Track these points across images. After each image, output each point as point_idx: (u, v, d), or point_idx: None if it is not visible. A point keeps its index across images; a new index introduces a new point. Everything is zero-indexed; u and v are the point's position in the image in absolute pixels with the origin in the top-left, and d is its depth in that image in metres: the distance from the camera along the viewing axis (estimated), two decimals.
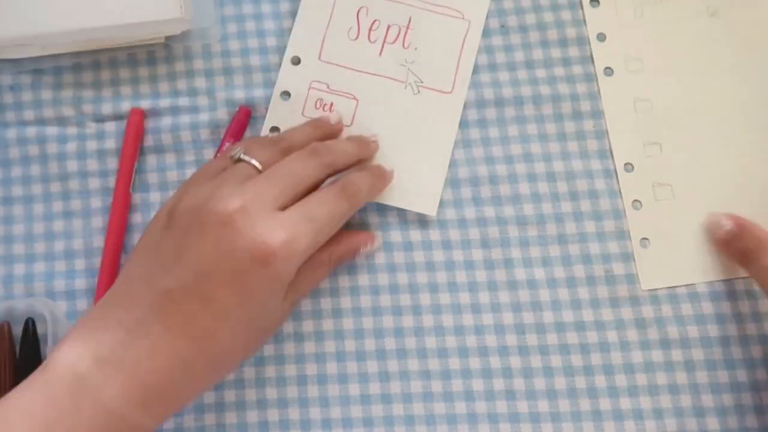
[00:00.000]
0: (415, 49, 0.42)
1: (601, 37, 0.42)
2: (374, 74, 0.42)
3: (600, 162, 0.41)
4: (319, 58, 0.42)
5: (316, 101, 0.42)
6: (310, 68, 0.42)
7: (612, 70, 0.41)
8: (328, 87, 0.42)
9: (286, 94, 0.42)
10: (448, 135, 0.41)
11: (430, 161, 0.41)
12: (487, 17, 0.43)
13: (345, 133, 0.41)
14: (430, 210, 0.40)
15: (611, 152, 0.41)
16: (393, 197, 0.40)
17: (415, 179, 0.40)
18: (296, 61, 0.42)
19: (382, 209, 0.40)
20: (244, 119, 0.41)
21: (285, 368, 0.39)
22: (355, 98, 0.41)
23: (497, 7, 0.43)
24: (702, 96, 0.41)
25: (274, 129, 0.41)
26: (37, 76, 0.43)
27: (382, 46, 0.42)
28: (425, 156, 0.41)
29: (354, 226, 0.40)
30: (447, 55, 0.42)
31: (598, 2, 0.42)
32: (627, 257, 0.40)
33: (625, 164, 0.40)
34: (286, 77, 0.42)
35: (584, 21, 0.42)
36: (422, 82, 0.42)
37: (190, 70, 0.43)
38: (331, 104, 0.41)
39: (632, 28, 0.42)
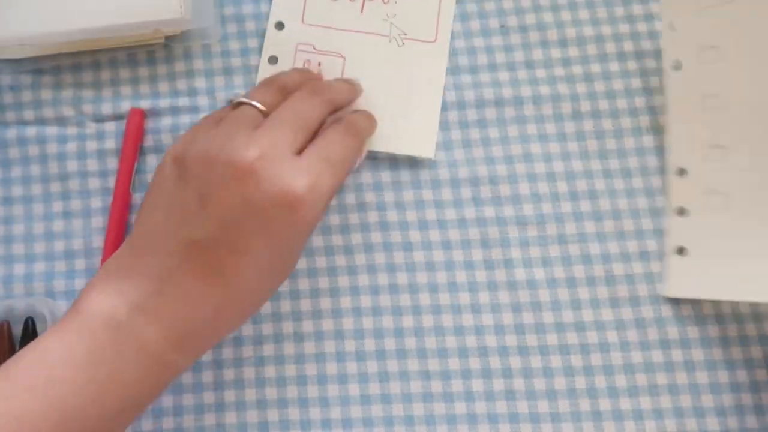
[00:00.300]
0: (395, 2, 0.43)
1: (671, 26, 0.38)
2: (358, 31, 0.42)
3: (600, 162, 0.41)
4: (303, 21, 0.43)
5: (304, 62, 0.42)
6: (295, 31, 0.43)
7: (680, 63, 0.38)
8: (314, 48, 0.42)
9: (273, 59, 0.42)
10: (436, 82, 0.42)
11: (422, 108, 0.41)
12: (487, 17, 0.43)
13: None
14: (428, 153, 0.41)
15: (661, 151, 0.38)
16: (390, 144, 0.41)
17: (410, 126, 0.41)
18: (280, 26, 0.43)
19: (382, 208, 0.40)
20: None
21: (285, 368, 0.39)
22: (341, 56, 0.42)
23: (497, 7, 0.43)
24: None
25: None
26: (37, 76, 0.43)
27: (363, 3, 0.43)
28: (417, 104, 0.42)
29: (355, 227, 0.40)
30: (426, 4, 0.43)
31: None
32: (627, 258, 0.40)
33: (680, 169, 0.37)
34: (272, 42, 0.43)
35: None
36: (405, 35, 0.42)
37: (190, 70, 0.43)
38: (319, 64, 0.42)
39: (706, 17, 0.37)
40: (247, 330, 0.39)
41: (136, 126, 0.41)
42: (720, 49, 0.37)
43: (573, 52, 0.42)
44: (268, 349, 0.39)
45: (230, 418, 0.38)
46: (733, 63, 0.37)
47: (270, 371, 0.39)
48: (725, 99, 0.37)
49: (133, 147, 0.41)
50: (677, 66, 0.37)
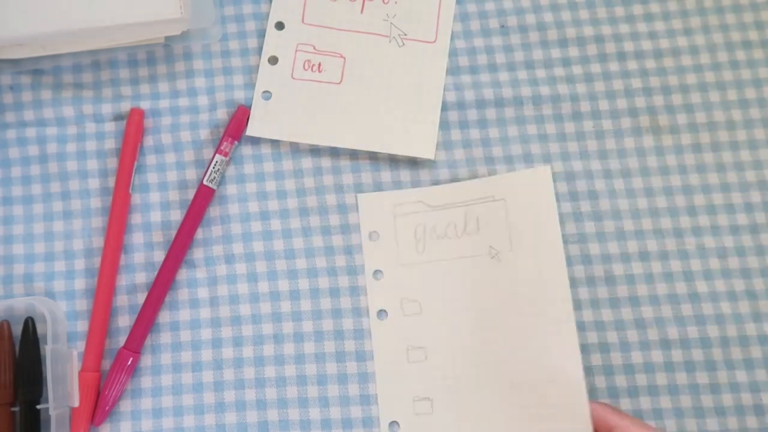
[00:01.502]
0: (395, 2, 0.43)
1: (378, 275, 0.39)
2: (358, 32, 0.43)
3: (600, 162, 0.41)
4: (303, 21, 0.43)
5: (304, 62, 0.42)
6: (295, 31, 0.43)
7: (386, 313, 0.39)
8: (314, 48, 0.42)
9: (273, 59, 0.42)
10: (436, 82, 0.42)
11: (422, 108, 0.41)
12: (487, 17, 0.43)
13: (334, 92, 0.41)
14: (428, 153, 0.41)
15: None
16: (390, 144, 0.41)
17: (410, 126, 0.41)
18: (280, 26, 0.43)
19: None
20: (242, 119, 0.41)
21: (285, 368, 0.39)
22: (342, 56, 0.42)
23: (497, 7, 0.43)
24: (475, 346, 0.38)
25: (266, 93, 0.42)
26: (37, 76, 0.43)
27: (363, 3, 0.43)
28: (417, 104, 0.41)
29: (356, 227, 0.40)
30: (427, 5, 0.43)
31: (378, 234, 0.40)
32: (626, 258, 0.40)
33: (391, 423, 0.37)
34: (272, 42, 0.43)
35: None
36: (406, 35, 0.42)
37: (190, 70, 0.43)
38: (319, 64, 0.42)
39: (411, 266, 0.39)
40: (247, 330, 0.39)
41: (135, 126, 0.41)
42: (421, 303, 0.39)
43: (573, 52, 0.42)
44: (268, 349, 0.39)
45: (230, 418, 0.38)
46: (431, 316, 0.39)
47: (270, 371, 0.39)
48: (428, 352, 0.38)
49: (133, 147, 0.41)
50: (383, 316, 0.39)
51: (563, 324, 0.37)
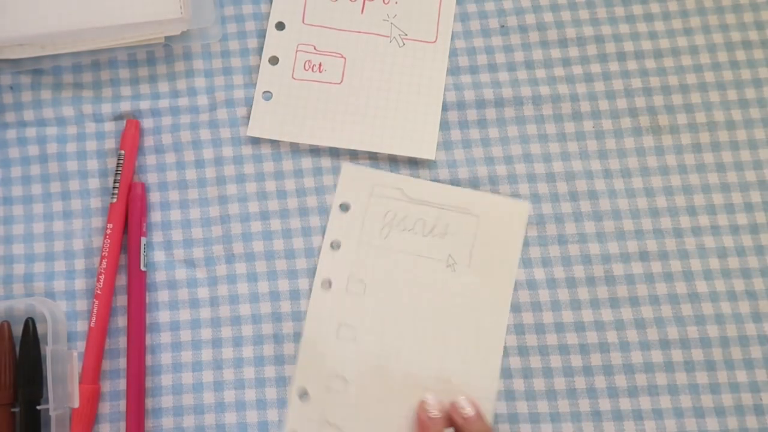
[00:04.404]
0: (396, 3, 0.43)
1: (335, 245, 0.39)
2: (359, 32, 0.43)
3: (600, 162, 0.41)
4: (303, 21, 0.43)
5: (305, 63, 0.42)
6: (295, 32, 0.43)
7: (330, 284, 0.39)
8: (314, 48, 0.42)
9: (274, 59, 0.42)
10: (437, 82, 0.42)
11: (423, 109, 0.41)
12: (487, 17, 0.43)
13: (334, 92, 0.41)
14: (428, 153, 0.41)
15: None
16: (390, 144, 0.41)
17: (410, 126, 0.41)
18: (281, 26, 0.43)
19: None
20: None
21: (285, 368, 0.39)
22: (342, 56, 0.42)
23: (497, 7, 0.43)
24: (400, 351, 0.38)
25: (266, 93, 0.42)
26: (37, 76, 0.43)
27: (363, 4, 0.43)
28: (417, 104, 0.42)
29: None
30: (427, 5, 0.43)
31: (349, 207, 0.40)
32: (626, 258, 0.40)
33: (301, 392, 0.38)
34: (273, 43, 0.43)
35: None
36: (406, 35, 0.42)
37: (190, 70, 0.43)
38: (320, 64, 0.42)
39: (369, 247, 0.39)
40: (247, 330, 0.39)
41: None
42: (365, 284, 0.39)
43: (573, 52, 0.42)
44: (268, 350, 0.39)
45: (230, 418, 0.38)
46: (372, 300, 0.39)
47: (270, 371, 0.39)
48: (358, 332, 0.39)
49: (131, 153, 0.41)
50: (327, 286, 0.39)
51: (491, 354, 0.38)
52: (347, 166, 0.40)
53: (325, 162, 0.41)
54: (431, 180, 0.41)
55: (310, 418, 0.38)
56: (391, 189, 0.40)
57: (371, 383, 0.38)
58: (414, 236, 0.39)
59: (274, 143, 0.42)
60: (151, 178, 0.41)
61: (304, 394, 0.38)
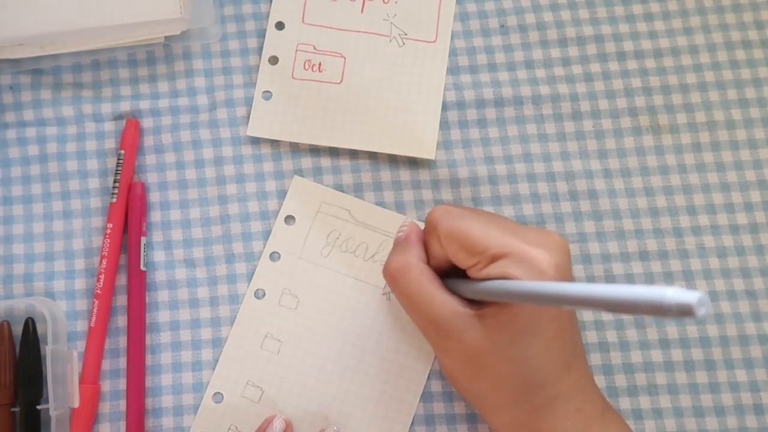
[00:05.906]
0: (396, 2, 0.43)
1: (275, 257, 0.39)
2: (358, 31, 0.42)
3: (600, 162, 0.41)
4: (303, 21, 0.43)
5: (305, 62, 0.42)
6: (295, 31, 0.43)
7: (264, 294, 0.39)
8: (314, 48, 0.42)
9: (274, 59, 0.42)
10: (436, 82, 0.42)
11: (422, 108, 0.41)
12: (487, 17, 0.43)
13: (334, 92, 0.41)
14: (428, 153, 0.41)
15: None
16: (390, 144, 0.41)
17: (410, 126, 0.41)
18: (280, 26, 0.43)
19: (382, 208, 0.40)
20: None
21: None
22: (342, 56, 0.42)
23: (497, 7, 0.43)
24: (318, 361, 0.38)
25: (266, 93, 0.42)
26: (37, 76, 0.43)
27: (363, 3, 0.43)
28: (417, 104, 0.41)
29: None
30: (427, 5, 0.43)
31: (294, 221, 0.40)
32: (626, 258, 0.40)
33: (215, 394, 0.38)
34: (272, 42, 0.43)
35: None
36: (406, 34, 0.42)
37: (190, 70, 0.43)
38: (320, 64, 0.42)
39: (308, 264, 0.39)
40: None
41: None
42: (299, 300, 0.39)
43: (573, 52, 0.42)
44: None
45: None
46: (303, 317, 0.39)
47: None
48: (281, 349, 0.39)
49: (131, 153, 0.41)
50: (260, 295, 0.39)
51: (408, 393, 0.38)
52: (298, 180, 0.40)
53: (325, 162, 0.41)
54: (431, 180, 0.41)
55: (219, 423, 0.38)
56: (338, 209, 0.40)
57: (287, 396, 0.38)
58: (355, 259, 0.39)
59: (274, 143, 0.42)
60: (151, 178, 0.41)
61: (218, 397, 0.38)
